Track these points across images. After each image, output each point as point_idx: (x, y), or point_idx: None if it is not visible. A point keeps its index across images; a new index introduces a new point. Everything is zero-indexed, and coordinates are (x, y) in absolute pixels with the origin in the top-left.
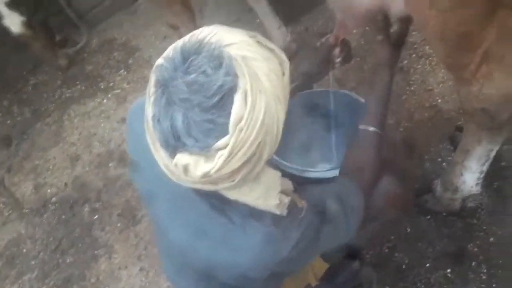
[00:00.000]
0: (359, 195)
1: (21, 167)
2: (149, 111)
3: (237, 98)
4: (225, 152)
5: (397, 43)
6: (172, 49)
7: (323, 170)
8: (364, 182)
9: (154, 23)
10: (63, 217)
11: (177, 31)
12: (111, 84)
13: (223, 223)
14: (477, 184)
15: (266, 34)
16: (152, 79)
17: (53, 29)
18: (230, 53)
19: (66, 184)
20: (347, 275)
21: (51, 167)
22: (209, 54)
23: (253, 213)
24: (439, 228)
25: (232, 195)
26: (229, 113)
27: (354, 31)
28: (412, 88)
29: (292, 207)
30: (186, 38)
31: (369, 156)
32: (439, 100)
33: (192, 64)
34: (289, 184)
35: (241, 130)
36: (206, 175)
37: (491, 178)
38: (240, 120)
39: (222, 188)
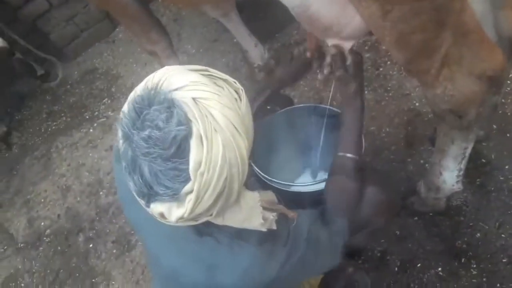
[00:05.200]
0: (343, 219)
1: (13, 202)
2: (122, 162)
3: (193, 143)
4: (192, 197)
5: (356, 73)
6: (127, 104)
7: (307, 184)
8: (348, 206)
9: (134, 50)
10: (59, 248)
11: (156, 57)
12: (96, 113)
13: (211, 246)
14: (457, 182)
15: (243, 53)
16: (119, 131)
17: (34, 64)
18: (180, 98)
19: (59, 215)
20: (342, 282)
21: (42, 200)
22: (160, 106)
23: (241, 233)
24: (427, 228)
25: (217, 221)
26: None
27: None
28: (390, 94)
29: (281, 220)
30: (140, 87)
31: (350, 181)
32: (417, 104)
33: (145, 119)
34: (272, 196)
35: (202, 174)
36: (180, 219)
37: (473, 175)
38: (199, 165)
39: (203, 221)
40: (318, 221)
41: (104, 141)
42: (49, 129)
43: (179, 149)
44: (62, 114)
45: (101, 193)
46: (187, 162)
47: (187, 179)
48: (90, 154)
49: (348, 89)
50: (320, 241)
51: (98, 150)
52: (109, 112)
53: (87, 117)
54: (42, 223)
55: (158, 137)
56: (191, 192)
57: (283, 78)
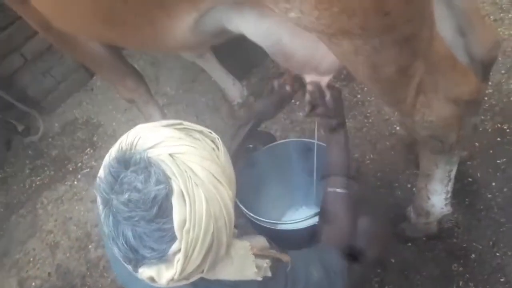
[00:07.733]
0: (341, 259)
1: (2, 264)
2: (104, 228)
3: (175, 201)
4: (181, 256)
5: (336, 107)
6: (103, 168)
7: (296, 221)
8: (343, 241)
9: (113, 97)
10: None
11: (135, 104)
12: (79, 164)
13: None
14: (446, 204)
15: (222, 92)
16: (97, 197)
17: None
18: (156, 155)
19: (49, 274)
20: None
21: (32, 259)
22: (136, 166)
23: (238, 284)
24: (421, 253)
25: (210, 276)
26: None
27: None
28: (370, 120)
29: (276, 265)
30: (115, 148)
31: (343, 216)
32: (398, 128)
33: (123, 182)
34: (263, 242)
35: (188, 231)
36: (171, 280)
37: (461, 195)
38: (184, 223)
39: (196, 279)
40: (315, 260)
41: (89, 192)
42: (33, 185)
43: (161, 208)
44: (46, 168)
45: (90, 246)
46: (171, 221)
47: (173, 239)
48: (76, 207)
49: (330, 124)
50: (319, 282)
51: (84, 202)
52: (93, 162)
53: (71, 169)
54: (33, 283)
55: (138, 199)
56: (179, 251)
57: (263, 111)
